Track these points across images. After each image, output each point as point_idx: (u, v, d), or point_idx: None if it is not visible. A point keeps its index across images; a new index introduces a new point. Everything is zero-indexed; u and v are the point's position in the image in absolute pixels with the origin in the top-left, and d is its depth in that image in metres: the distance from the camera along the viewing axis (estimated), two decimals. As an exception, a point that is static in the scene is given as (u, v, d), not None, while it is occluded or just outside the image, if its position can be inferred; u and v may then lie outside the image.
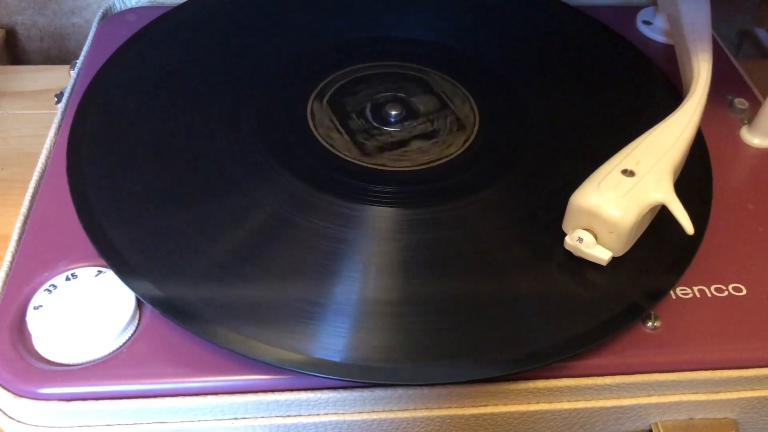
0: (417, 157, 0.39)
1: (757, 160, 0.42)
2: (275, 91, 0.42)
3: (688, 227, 0.32)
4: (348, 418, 0.32)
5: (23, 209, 0.36)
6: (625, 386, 0.32)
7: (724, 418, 0.34)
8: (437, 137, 0.40)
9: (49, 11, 0.61)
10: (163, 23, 0.47)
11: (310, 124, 0.40)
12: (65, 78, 0.46)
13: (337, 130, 0.40)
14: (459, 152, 0.39)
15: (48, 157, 0.40)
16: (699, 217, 0.36)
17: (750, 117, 0.44)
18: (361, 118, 0.41)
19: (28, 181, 0.38)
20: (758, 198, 0.39)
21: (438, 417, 0.32)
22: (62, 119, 0.42)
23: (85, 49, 0.47)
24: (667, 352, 0.32)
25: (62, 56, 0.63)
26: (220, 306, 0.31)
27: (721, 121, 0.44)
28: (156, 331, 0.32)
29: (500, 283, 0.33)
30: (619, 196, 0.32)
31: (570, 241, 0.33)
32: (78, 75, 0.45)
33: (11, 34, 0.62)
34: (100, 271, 0.33)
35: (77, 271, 0.33)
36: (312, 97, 0.42)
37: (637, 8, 0.53)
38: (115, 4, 0.52)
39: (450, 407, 0.32)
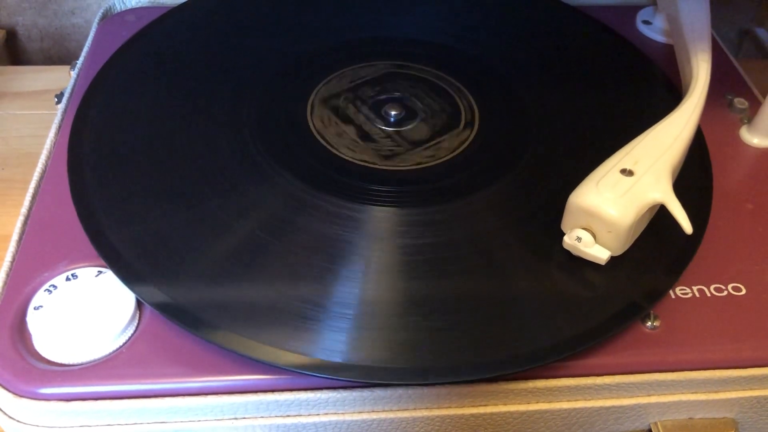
0: (417, 156, 0.39)
1: (756, 159, 0.42)
2: (275, 91, 0.42)
3: (687, 227, 0.32)
4: (348, 418, 0.32)
5: (23, 209, 0.37)
6: (625, 386, 0.32)
7: (724, 418, 0.34)
8: (437, 137, 0.40)
9: (49, 12, 0.61)
10: (163, 24, 0.47)
11: (310, 124, 0.40)
12: (65, 78, 0.47)
13: (337, 130, 0.40)
14: (459, 152, 0.39)
15: (48, 158, 0.40)
16: (698, 216, 0.36)
17: (750, 117, 0.44)
18: (361, 118, 0.41)
19: (29, 182, 0.38)
20: (758, 197, 0.39)
21: (438, 417, 0.32)
22: (62, 119, 0.42)
23: (85, 49, 0.47)
24: (666, 352, 0.32)
25: (62, 57, 0.64)
26: (221, 306, 0.31)
27: (721, 121, 0.44)
28: (156, 331, 0.32)
29: (499, 283, 0.33)
30: (618, 196, 0.32)
31: (568, 241, 0.33)
32: (78, 75, 0.45)
33: (12, 34, 0.62)
34: (100, 272, 0.33)
35: (77, 272, 0.33)
36: (312, 97, 0.42)
37: (637, 8, 0.53)
38: (115, 4, 0.52)
39: (450, 407, 0.32)
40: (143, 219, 0.35)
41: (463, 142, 0.40)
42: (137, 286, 0.32)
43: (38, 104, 0.51)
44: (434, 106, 0.42)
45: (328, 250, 0.34)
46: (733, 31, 0.66)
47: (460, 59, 0.46)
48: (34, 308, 0.32)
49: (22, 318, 0.32)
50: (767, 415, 0.35)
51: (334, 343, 0.30)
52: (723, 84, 0.46)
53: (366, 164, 0.38)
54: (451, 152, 0.39)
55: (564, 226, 0.34)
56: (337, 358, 0.30)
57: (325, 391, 0.31)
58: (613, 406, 0.33)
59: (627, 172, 0.33)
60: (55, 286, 0.33)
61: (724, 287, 0.35)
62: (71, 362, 0.31)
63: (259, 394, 0.31)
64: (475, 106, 0.42)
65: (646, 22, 0.52)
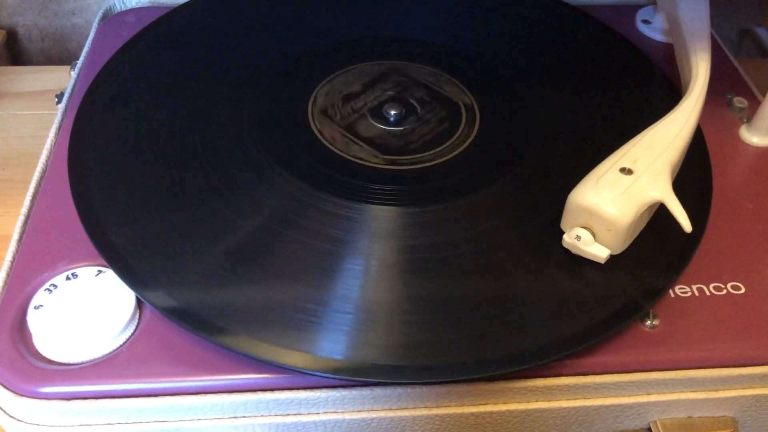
0: (417, 156, 0.39)
1: (756, 158, 0.42)
2: (275, 91, 0.42)
3: (687, 225, 0.32)
4: (348, 416, 0.32)
5: (24, 209, 0.37)
6: (624, 384, 0.32)
7: (723, 416, 0.34)
8: (437, 137, 0.40)
9: (49, 12, 0.61)
10: (163, 24, 0.47)
11: (310, 123, 0.40)
12: (66, 78, 0.47)
13: (337, 129, 0.40)
14: (459, 152, 0.39)
15: (48, 158, 0.40)
16: (698, 215, 0.36)
17: (749, 116, 0.44)
18: (360, 117, 0.41)
19: (29, 182, 0.38)
20: (757, 197, 0.39)
21: (437, 416, 0.32)
22: (63, 120, 0.42)
23: (86, 49, 0.47)
24: (665, 351, 0.32)
25: (63, 57, 0.64)
26: (221, 305, 0.31)
27: (721, 120, 0.44)
28: (156, 330, 0.32)
29: (499, 282, 0.33)
30: (617, 195, 0.32)
31: (568, 239, 0.33)
32: (78, 75, 0.45)
33: (12, 34, 0.62)
34: (100, 271, 0.33)
35: (77, 271, 0.33)
36: (312, 97, 0.42)
37: (637, 7, 0.53)
38: (115, 4, 0.52)
39: (449, 406, 0.32)
40: (143, 218, 0.35)
41: (463, 142, 0.40)
42: (137, 284, 0.32)
43: (38, 104, 0.51)
44: (434, 106, 0.42)
45: (328, 249, 0.34)
46: (733, 31, 0.66)
47: (460, 59, 0.46)
48: (35, 307, 0.32)
49: (22, 317, 0.32)
50: (767, 414, 0.35)
51: (334, 342, 0.31)
52: (722, 83, 0.46)
53: (366, 164, 0.38)
54: (452, 152, 0.39)
55: (563, 225, 0.34)
56: (336, 357, 0.30)
57: (325, 390, 0.31)
58: (613, 405, 0.33)
59: (626, 171, 0.33)
60: (55, 286, 0.33)
61: (723, 286, 0.35)
62: (71, 361, 0.31)
63: (259, 392, 0.31)
64: (475, 106, 0.42)
65: (646, 22, 0.52)
